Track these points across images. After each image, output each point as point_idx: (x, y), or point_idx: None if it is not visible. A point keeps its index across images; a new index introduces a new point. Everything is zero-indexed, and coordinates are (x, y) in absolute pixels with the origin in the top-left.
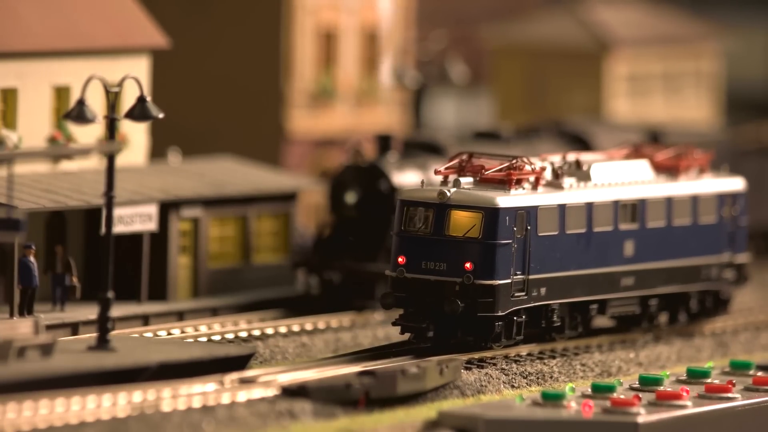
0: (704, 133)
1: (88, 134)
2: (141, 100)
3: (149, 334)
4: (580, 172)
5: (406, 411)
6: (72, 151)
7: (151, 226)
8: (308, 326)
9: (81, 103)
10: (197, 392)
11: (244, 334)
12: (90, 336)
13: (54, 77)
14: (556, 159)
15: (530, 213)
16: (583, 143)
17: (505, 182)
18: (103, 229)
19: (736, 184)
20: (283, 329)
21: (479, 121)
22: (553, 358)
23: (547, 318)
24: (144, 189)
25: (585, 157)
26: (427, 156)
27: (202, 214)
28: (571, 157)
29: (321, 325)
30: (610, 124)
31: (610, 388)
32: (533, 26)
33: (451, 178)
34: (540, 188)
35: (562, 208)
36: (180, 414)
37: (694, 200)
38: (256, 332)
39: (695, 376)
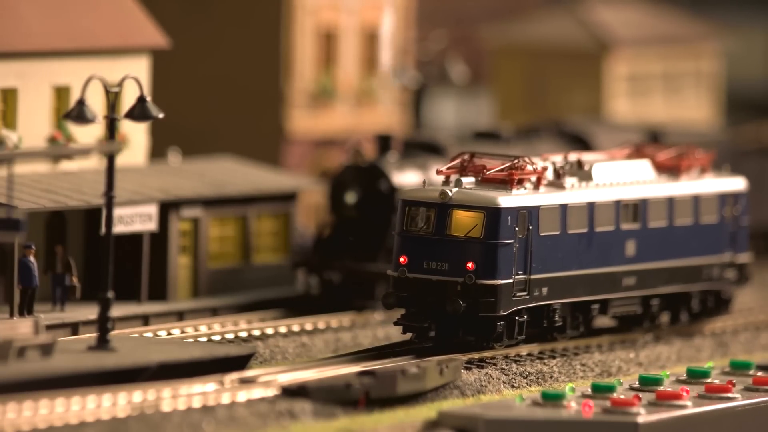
0: (704, 133)
1: (88, 134)
2: (141, 100)
3: (149, 334)
4: (581, 172)
5: (406, 411)
6: (72, 151)
7: (151, 226)
8: (308, 326)
9: (81, 103)
10: (197, 392)
11: (244, 334)
12: (90, 336)
13: (54, 77)
14: (558, 159)
15: (532, 213)
16: (583, 143)
17: (506, 182)
18: (103, 229)
19: (737, 184)
20: (283, 329)
21: (479, 121)
22: (553, 358)
23: (549, 318)
24: (144, 189)
25: (587, 157)
26: (427, 156)
27: (202, 214)
28: (573, 157)
29: (321, 325)
30: (610, 124)
31: (610, 388)
32: (533, 26)
33: (453, 178)
34: (542, 188)
35: (563, 207)
36: (180, 414)
37: (696, 200)
38: (256, 332)
39: (695, 376)
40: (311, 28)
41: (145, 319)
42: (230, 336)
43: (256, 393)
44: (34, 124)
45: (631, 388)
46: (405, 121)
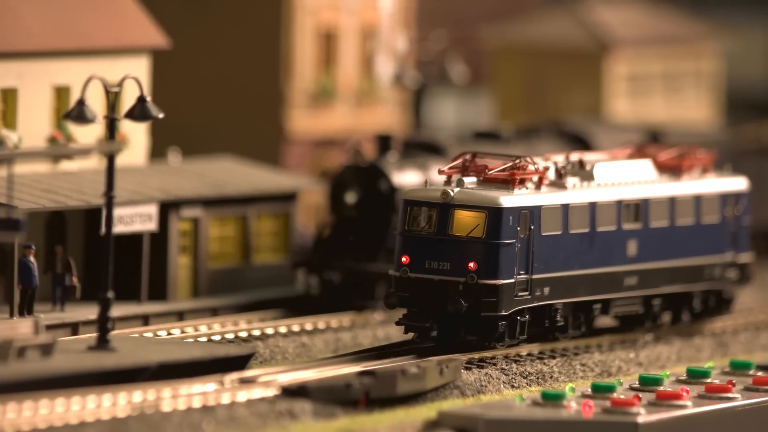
0: (704, 133)
1: (88, 134)
2: (141, 100)
3: (149, 334)
4: (583, 172)
5: (406, 411)
6: (72, 151)
7: (151, 226)
8: (308, 326)
9: (81, 103)
10: (197, 392)
11: (244, 334)
12: (90, 336)
13: (54, 77)
14: (560, 159)
15: (533, 213)
16: (583, 143)
17: (508, 182)
18: (103, 229)
19: (738, 183)
20: (283, 329)
21: (479, 121)
22: (553, 358)
23: (551, 318)
24: (144, 189)
25: (588, 156)
26: (427, 156)
27: (202, 214)
28: (575, 156)
29: (321, 325)
30: (610, 124)
31: (610, 388)
32: (533, 26)
33: (455, 177)
34: (543, 188)
35: (565, 207)
36: (180, 414)
37: (697, 200)
38: (256, 332)
39: (695, 376)
40: (311, 28)
41: (145, 319)
42: (230, 336)
43: (256, 393)
44: (34, 124)
45: (631, 388)
46: (405, 121)
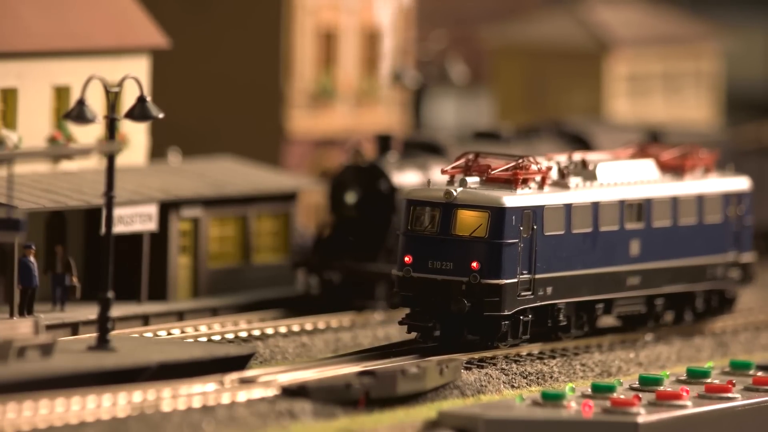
0: (704, 133)
1: (88, 134)
2: (141, 100)
3: (149, 334)
4: (586, 172)
5: (406, 411)
6: (72, 151)
7: (151, 226)
8: (308, 326)
9: (81, 103)
10: (197, 392)
11: (244, 334)
12: (90, 336)
13: (54, 77)
14: (562, 158)
15: (536, 212)
16: (583, 143)
17: (511, 182)
18: (103, 229)
19: (741, 183)
20: (283, 329)
21: (479, 121)
22: (553, 358)
23: (554, 317)
24: (144, 189)
25: (591, 156)
26: (427, 156)
27: (202, 214)
28: (577, 156)
29: (321, 325)
30: (610, 124)
31: (610, 388)
32: (533, 26)
33: (458, 177)
34: (546, 188)
35: (568, 207)
36: (180, 414)
37: (700, 200)
38: (256, 332)
39: (695, 376)
40: (311, 28)
41: (145, 319)
42: (230, 336)
43: (256, 393)
44: (34, 124)
45: (631, 388)
46: (405, 121)
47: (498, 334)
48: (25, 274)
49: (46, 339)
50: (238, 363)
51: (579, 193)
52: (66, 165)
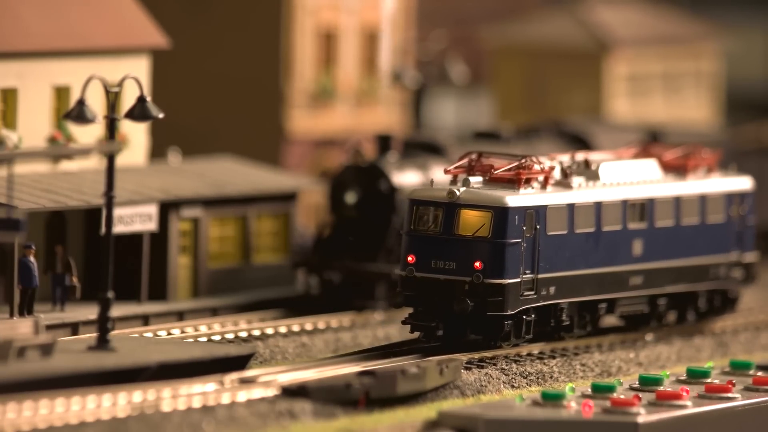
0: (704, 133)
1: (88, 134)
2: (141, 100)
3: (149, 334)
4: (588, 172)
5: (406, 411)
6: (72, 151)
7: (151, 226)
8: (308, 326)
9: (81, 103)
10: (197, 392)
11: (244, 334)
12: (90, 336)
13: (54, 77)
14: (565, 158)
15: (539, 212)
16: (583, 143)
17: (514, 181)
18: (103, 229)
19: (743, 183)
20: (283, 329)
21: (479, 121)
22: (553, 358)
23: (556, 317)
24: (144, 189)
25: (594, 156)
26: (427, 156)
27: (202, 214)
28: (580, 156)
29: (321, 325)
30: (610, 124)
31: (610, 388)
32: (533, 26)
33: (461, 177)
34: (549, 187)
35: (571, 207)
36: (180, 414)
37: (703, 199)
38: (256, 332)
39: (695, 376)
40: (311, 28)
41: (145, 319)
42: (230, 336)
43: (256, 393)
44: (34, 124)
45: (631, 388)
46: (405, 121)
47: (501, 333)
48: (25, 274)
49: (46, 339)
50: (238, 363)
51: (582, 192)
52: (66, 165)
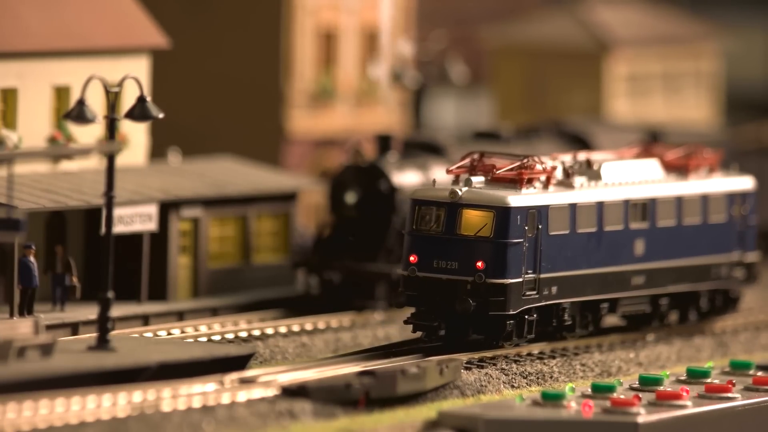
0: (704, 133)
1: (88, 134)
2: (141, 100)
3: (149, 334)
4: (590, 172)
5: (406, 411)
6: (72, 151)
7: (151, 226)
8: (308, 326)
9: (81, 103)
10: (197, 392)
11: (244, 334)
12: (90, 336)
13: (54, 77)
14: (567, 158)
15: (541, 212)
16: (583, 143)
17: (516, 181)
18: (103, 229)
19: (745, 183)
20: (283, 329)
21: (479, 121)
22: (553, 358)
23: (558, 317)
24: (144, 189)
25: (595, 156)
26: (427, 156)
27: (202, 214)
28: (582, 156)
29: (321, 325)
30: (610, 124)
31: (610, 388)
32: (533, 26)
33: (463, 177)
34: (551, 187)
35: (572, 207)
36: (180, 414)
37: (704, 199)
38: (256, 332)
39: (695, 376)
40: (311, 28)
41: (145, 319)
42: (230, 336)
43: (256, 393)
44: (34, 124)
45: (631, 388)
46: (405, 121)
47: (503, 333)
48: (25, 274)
49: (46, 339)
50: (238, 363)
51: (584, 192)
52: (66, 165)
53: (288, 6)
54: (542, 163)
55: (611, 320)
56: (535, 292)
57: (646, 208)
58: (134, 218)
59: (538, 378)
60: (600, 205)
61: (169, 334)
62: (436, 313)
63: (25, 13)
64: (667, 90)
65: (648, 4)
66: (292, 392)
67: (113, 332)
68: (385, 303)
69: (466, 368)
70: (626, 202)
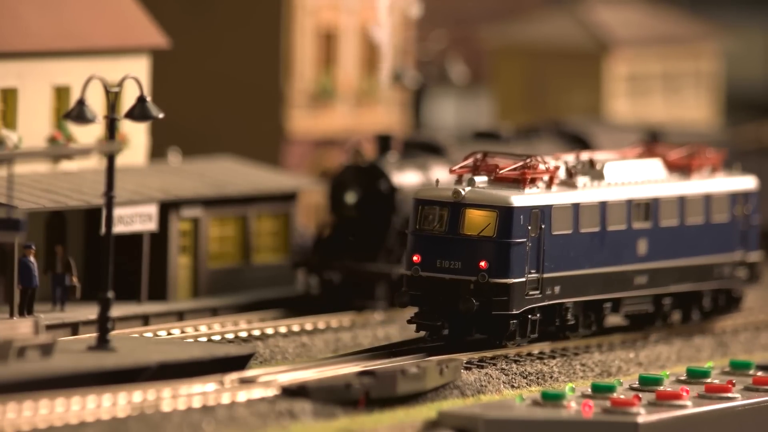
0: (704, 133)
1: (88, 134)
2: (141, 100)
3: (149, 334)
4: (593, 171)
5: (406, 411)
6: (72, 151)
7: (151, 226)
8: (308, 326)
9: (81, 103)
10: (197, 392)
11: (244, 334)
12: (90, 336)
13: (54, 77)
14: (570, 158)
15: (544, 212)
16: (582, 143)
17: (519, 181)
18: (103, 229)
19: (748, 182)
20: (283, 329)
21: (479, 121)
22: (553, 358)
23: (561, 316)
24: (144, 189)
25: (598, 156)
26: (427, 156)
27: (202, 214)
28: (585, 156)
29: (321, 325)
30: (609, 124)
31: (610, 388)
32: (533, 26)
33: (466, 177)
34: (554, 187)
35: (575, 207)
36: (180, 414)
37: (707, 199)
38: (256, 332)
39: (695, 376)
40: (311, 28)
41: (145, 319)
42: (230, 336)
43: (256, 393)
44: (34, 124)
45: (631, 388)
46: (405, 121)
47: (506, 333)
48: (25, 274)
49: (46, 339)
50: (238, 363)
51: (587, 192)
52: (66, 165)
53: (288, 6)
54: (545, 162)
55: (614, 320)
56: (538, 292)
57: (649, 207)
58: (134, 218)
59: (538, 378)
60: (603, 205)
61: (169, 334)
62: (440, 313)
63: (25, 13)
64: (667, 90)
65: (648, 4)
66: (292, 392)
67: (113, 332)
68: (385, 303)
69: (466, 368)
70: (629, 202)
